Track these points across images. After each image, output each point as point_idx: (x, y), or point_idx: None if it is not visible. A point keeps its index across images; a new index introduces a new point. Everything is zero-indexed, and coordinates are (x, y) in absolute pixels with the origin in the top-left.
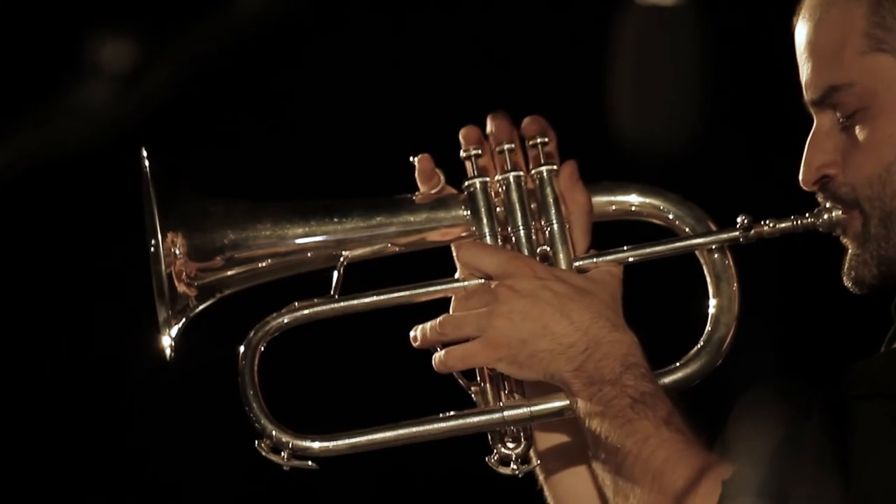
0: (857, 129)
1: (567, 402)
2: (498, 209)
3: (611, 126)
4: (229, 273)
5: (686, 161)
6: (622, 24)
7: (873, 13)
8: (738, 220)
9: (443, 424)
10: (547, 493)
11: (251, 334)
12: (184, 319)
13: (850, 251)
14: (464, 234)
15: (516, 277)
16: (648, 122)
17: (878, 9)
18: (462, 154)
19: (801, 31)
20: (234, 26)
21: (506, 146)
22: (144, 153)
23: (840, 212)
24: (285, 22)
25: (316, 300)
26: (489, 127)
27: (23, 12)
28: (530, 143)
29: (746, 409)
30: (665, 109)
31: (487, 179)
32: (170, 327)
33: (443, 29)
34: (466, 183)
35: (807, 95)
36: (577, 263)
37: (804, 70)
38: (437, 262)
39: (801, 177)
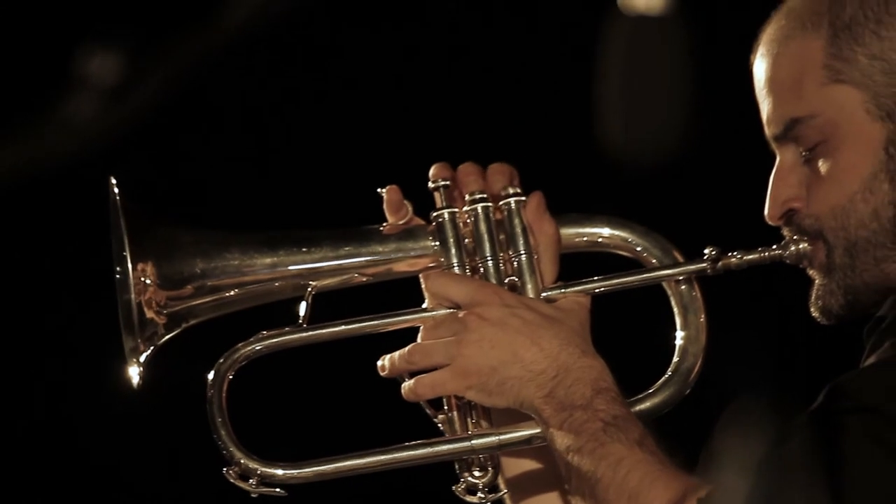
0: (820, 162)
1: (536, 430)
2: (466, 240)
3: (598, 136)
4: (198, 302)
5: (672, 172)
6: (609, 34)
7: (831, 44)
8: (706, 251)
9: (411, 453)
10: None
11: (220, 362)
12: (152, 348)
13: (816, 282)
14: (432, 265)
15: (485, 306)
16: (635, 132)
17: (836, 40)
18: (430, 185)
19: (760, 67)
20: (220, 42)
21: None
22: (113, 181)
23: (807, 244)
24: (271, 40)
25: (285, 329)
26: (458, 172)
27: (9, 26)
28: (499, 189)
29: (730, 425)
30: (652, 119)
31: (456, 210)
32: (138, 356)
33: (425, 44)
34: (434, 214)
35: (768, 131)
36: (544, 294)
37: (764, 106)
38: (405, 293)
39: (766, 212)
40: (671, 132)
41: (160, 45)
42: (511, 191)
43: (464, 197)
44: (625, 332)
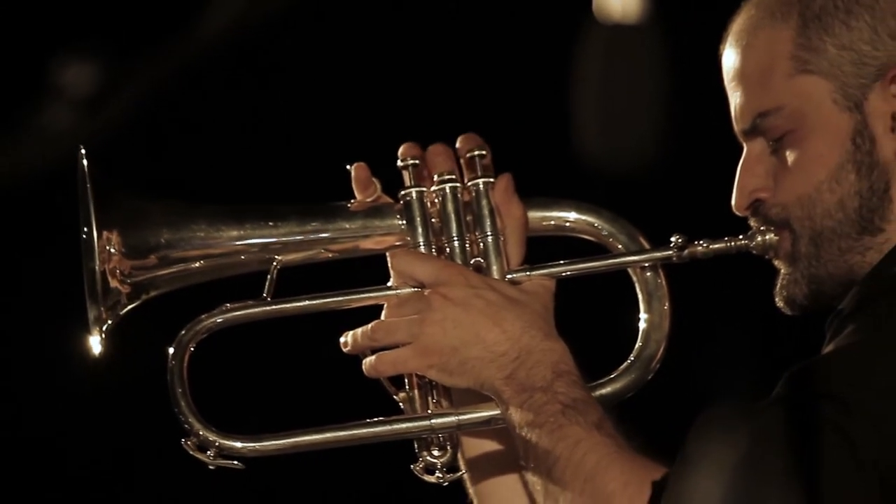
0: (787, 151)
1: (495, 411)
2: (433, 220)
3: (574, 142)
4: (162, 272)
5: (648, 178)
6: (585, 41)
7: (800, 35)
8: (672, 239)
9: (370, 430)
10: (477, 503)
11: (182, 334)
12: (114, 317)
13: (781, 271)
14: (398, 244)
15: (449, 286)
16: (611, 138)
17: (805, 31)
18: (399, 164)
19: (729, 58)
20: (195, 51)
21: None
22: (83, 151)
23: (773, 234)
24: (246, 45)
25: (248, 302)
26: (427, 152)
27: None
28: (467, 155)
29: (703, 425)
30: (628, 126)
31: (424, 189)
32: (101, 325)
33: (404, 46)
34: (402, 192)
35: (736, 126)
36: (510, 276)
37: (733, 99)
38: (370, 270)
39: (733, 202)
40: (646, 135)
41: (137, 55)
42: (480, 172)
43: (432, 177)
44: (589, 317)
